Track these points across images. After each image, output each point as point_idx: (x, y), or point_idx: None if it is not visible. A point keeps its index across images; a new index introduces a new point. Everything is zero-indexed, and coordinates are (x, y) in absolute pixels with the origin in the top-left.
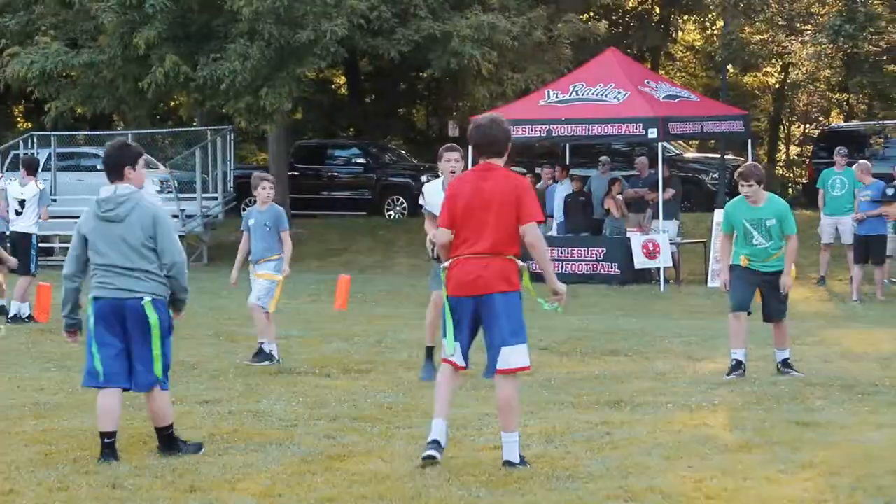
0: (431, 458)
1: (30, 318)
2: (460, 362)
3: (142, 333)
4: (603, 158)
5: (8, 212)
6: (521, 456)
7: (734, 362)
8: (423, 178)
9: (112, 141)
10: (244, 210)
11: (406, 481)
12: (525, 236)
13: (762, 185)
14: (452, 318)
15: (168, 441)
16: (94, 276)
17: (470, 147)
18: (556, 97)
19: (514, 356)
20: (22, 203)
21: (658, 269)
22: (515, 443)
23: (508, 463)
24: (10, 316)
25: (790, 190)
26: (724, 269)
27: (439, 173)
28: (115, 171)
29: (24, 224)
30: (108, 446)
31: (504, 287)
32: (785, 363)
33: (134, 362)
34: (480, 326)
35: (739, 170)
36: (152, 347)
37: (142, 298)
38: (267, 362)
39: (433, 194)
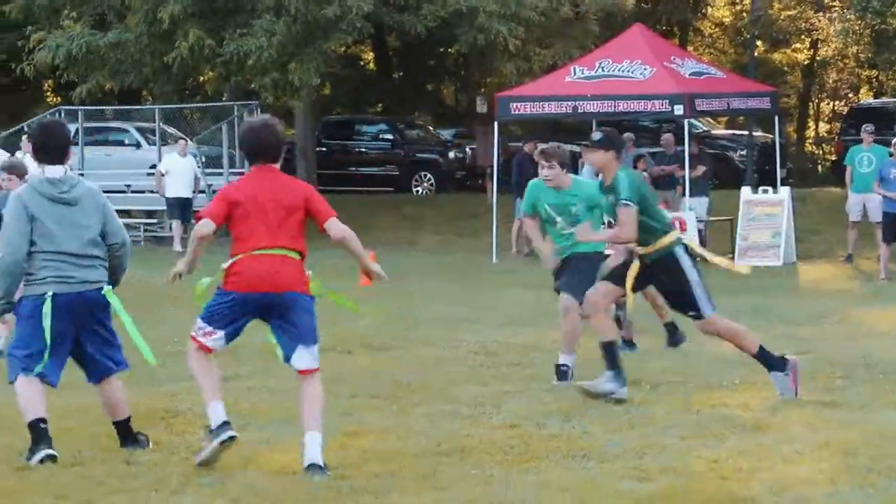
0: (232, 437)
1: None
2: (210, 344)
3: (100, 322)
4: (627, 135)
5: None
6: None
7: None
8: (450, 155)
9: (48, 120)
10: None
11: (419, 459)
12: (331, 231)
13: (566, 169)
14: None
15: (130, 432)
16: (42, 266)
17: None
18: (583, 73)
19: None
20: None
21: None
22: (320, 444)
23: (314, 466)
24: None
25: (819, 167)
26: (542, 250)
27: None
28: (61, 151)
29: None
30: (45, 432)
31: (301, 288)
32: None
33: (91, 353)
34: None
35: (541, 147)
36: (119, 331)
37: (100, 288)
38: None
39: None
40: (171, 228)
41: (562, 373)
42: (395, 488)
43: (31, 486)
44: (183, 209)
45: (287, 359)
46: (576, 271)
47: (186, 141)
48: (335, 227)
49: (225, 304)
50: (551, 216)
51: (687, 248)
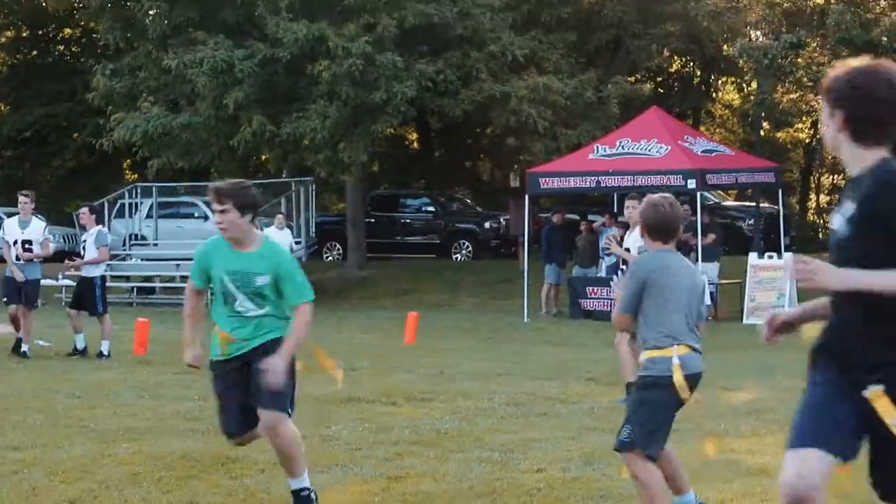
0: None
1: (83, 351)
2: None
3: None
4: None
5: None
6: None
7: None
8: (486, 225)
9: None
10: (326, 253)
11: (454, 500)
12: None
13: (250, 216)
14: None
15: None
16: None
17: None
18: (605, 151)
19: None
20: (84, 246)
21: None
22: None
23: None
24: (78, 350)
25: (820, 235)
26: (189, 342)
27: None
28: None
29: (85, 267)
30: None
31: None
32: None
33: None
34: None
35: (212, 186)
36: None
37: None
38: None
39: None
40: None
41: None
42: None
43: None
44: None
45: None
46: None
47: (284, 215)
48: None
49: None
50: (228, 290)
51: None
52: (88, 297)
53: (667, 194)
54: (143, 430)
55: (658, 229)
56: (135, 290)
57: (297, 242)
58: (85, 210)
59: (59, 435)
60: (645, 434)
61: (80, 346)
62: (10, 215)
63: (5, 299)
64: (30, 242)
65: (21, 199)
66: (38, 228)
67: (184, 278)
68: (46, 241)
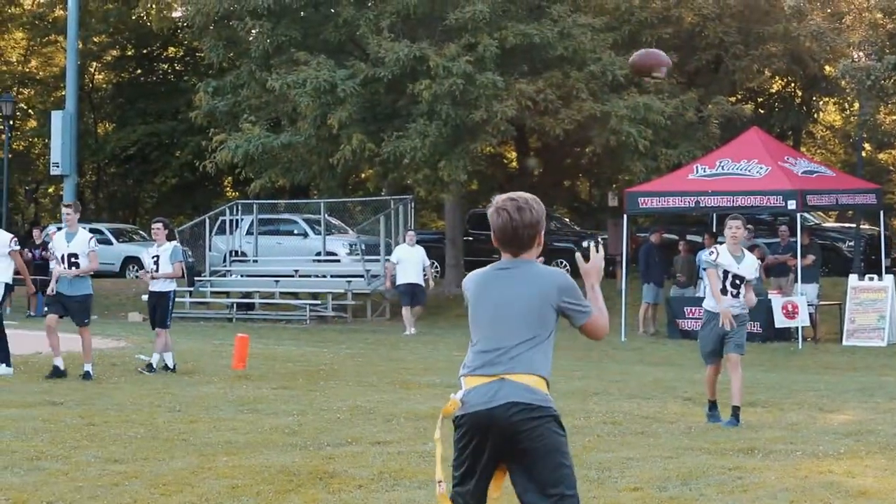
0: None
1: (174, 368)
2: None
3: None
4: (748, 227)
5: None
6: None
7: None
8: (584, 244)
9: None
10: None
11: None
12: None
13: None
14: None
15: None
16: None
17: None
18: (704, 171)
19: None
20: (156, 261)
21: (797, 328)
22: None
23: None
24: (150, 366)
25: None
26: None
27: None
28: None
29: (160, 282)
30: None
31: None
32: None
33: None
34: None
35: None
36: None
37: None
38: None
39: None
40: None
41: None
42: None
43: None
44: (413, 295)
45: None
46: None
47: (414, 232)
48: None
49: None
50: None
51: None
52: (161, 311)
53: (523, 194)
54: (242, 444)
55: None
56: (234, 305)
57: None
58: (159, 225)
59: (159, 448)
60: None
61: (170, 364)
62: (113, 231)
63: (46, 308)
64: (76, 256)
65: (64, 210)
66: (83, 240)
67: (283, 294)
68: (93, 253)
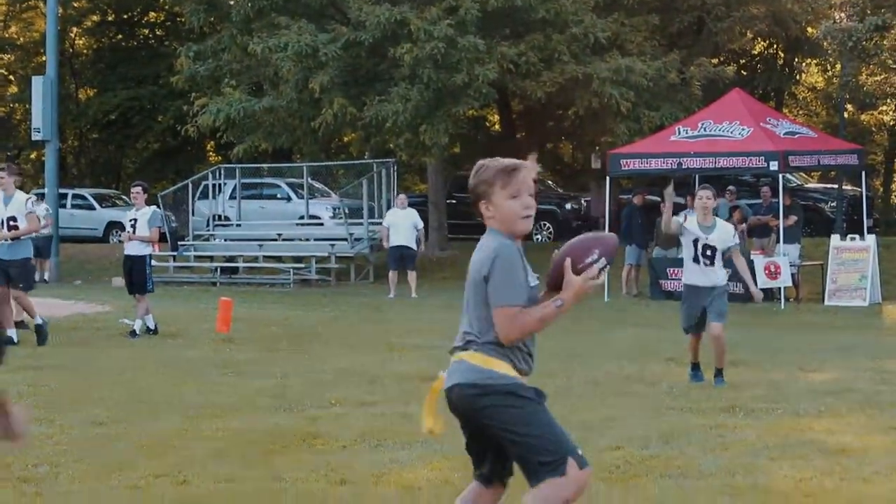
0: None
1: (155, 329)
2: None
3: None
4: (730, 188)
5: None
6: None
7: None
8: (567, 206)
9: None
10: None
11: None
12: None
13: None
14: None
15: None
16: None
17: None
18: (687, 133)
19: None
20: (133, 224)
21: (779, 288)
22: None
23: None
24: (133, 332)
25: None
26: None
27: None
28: None
29: (135, 246)
30: None
31: None
32: None
33: None
34: None
35: None
36: None
37: None
38: None
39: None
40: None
41: None
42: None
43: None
44: (400, 259)
45: None
46: None
47: (405, 196)
48: None
49: None
50: None
51: None
52: (138, 277)
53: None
54: (227, 407)
55: None
56: (218, 269)
57: (377, 223)
58: (139, 189)
59: (144, 411)
60: None
61: (150, 325)
62: (96, 197)
63: None
64: (14, 219)
65: None
66: (20, 202)
67: (266, 258)
68: (31, 214)
